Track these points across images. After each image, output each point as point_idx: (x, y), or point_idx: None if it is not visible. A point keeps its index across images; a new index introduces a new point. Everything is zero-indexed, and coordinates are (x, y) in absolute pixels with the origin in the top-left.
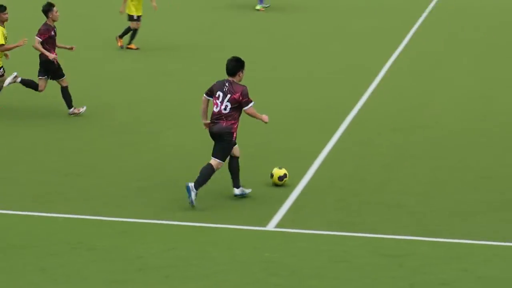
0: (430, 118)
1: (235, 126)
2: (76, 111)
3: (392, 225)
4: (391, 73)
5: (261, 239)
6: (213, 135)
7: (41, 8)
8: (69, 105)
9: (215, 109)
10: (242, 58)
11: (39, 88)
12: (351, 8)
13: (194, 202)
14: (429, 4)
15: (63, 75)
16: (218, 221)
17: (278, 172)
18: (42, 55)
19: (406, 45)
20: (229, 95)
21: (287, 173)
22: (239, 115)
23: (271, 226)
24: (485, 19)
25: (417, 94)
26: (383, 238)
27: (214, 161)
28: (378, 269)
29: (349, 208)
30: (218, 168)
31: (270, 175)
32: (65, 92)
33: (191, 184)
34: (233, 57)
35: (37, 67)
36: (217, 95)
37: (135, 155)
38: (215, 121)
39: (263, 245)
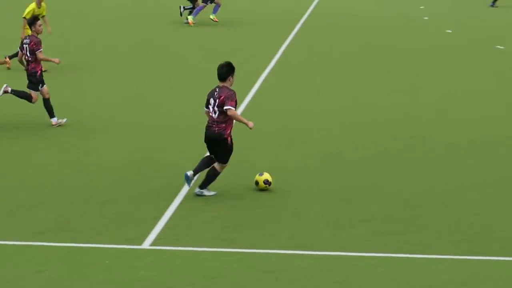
0: (304, 132)
1: (228, 131)
2: None
3: (268, 240)
4: (264, 88)
5: (136, 257)
6: (207, 139)
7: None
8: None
9: (210, 115)
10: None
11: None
12: (228, 22)
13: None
14: (301, 17)
15: (37, 89)
16: (91, 241)
17: (260, 178)
18: (34, 68)
19: (279, 59)
20: (217, 100)
21: (269, 179)
22: (230, 120)
23: (146, 244)
24: (356, 31)
25: (290, 109)
26: (259, 253)
27: (217, 165)
28: (255, 284)
29: (225, 223)
30: (221, 171)
31: (255, 182)
32: (19, 93)
33: (198, 190)
34: (224, 62)
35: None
36: (210, 102)
37: (5, 176)
38: (209, 127)
39: (138, 264)
